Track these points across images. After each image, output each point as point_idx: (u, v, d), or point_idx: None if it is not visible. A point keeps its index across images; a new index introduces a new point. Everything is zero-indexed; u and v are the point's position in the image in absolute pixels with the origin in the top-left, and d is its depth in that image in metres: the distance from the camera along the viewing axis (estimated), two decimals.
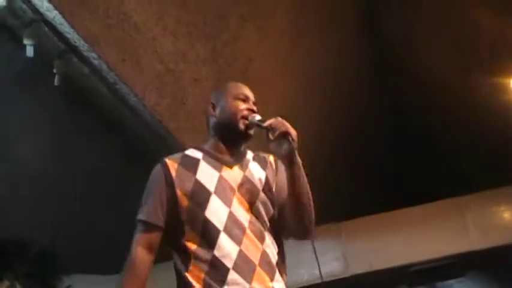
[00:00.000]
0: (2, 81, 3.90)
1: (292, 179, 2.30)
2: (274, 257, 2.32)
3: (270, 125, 2.29)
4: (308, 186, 2.33)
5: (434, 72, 6.38)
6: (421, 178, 7.94)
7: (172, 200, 2.32)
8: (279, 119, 2.31)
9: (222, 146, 2.44)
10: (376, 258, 6.32)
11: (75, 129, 4.47)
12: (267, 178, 2.42)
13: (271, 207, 2.37)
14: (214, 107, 2.51)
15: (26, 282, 5.88)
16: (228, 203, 2.30)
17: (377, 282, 6.83)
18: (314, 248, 2.28)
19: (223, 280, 2.20)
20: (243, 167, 2.42)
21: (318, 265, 2.32)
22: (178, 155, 2.45)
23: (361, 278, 6.34)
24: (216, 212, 2.27)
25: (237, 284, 2.20)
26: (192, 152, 2.45)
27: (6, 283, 5.73)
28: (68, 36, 3.42)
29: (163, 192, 2.34)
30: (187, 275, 2.25)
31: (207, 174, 2.35)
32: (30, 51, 3.39)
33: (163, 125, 4.25)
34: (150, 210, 2.34)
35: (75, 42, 3.47)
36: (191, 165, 2.38)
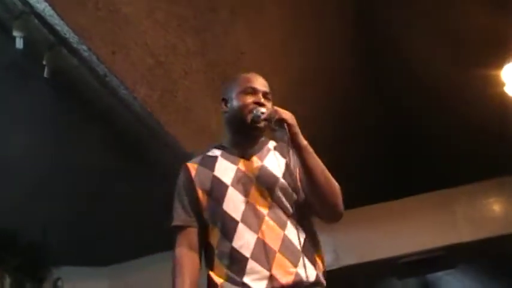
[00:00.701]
0: None
1: (302, 162, 2.31)
2: (299, 242, 2.28)
3: (268, 116, 2.33)
4: (322, 166, 2.33)
5: (427, 65, 6.40)
6: (411, 170, 7.97)
7: (195, 199, 2.39)
8: (273, 108, 2.34)
9: (238, 140, 2.49)
10: (366, 249, 6.36)
11: (65, 122, 4.46)
12: (287, 164, 2.43)
13: (293, 193, 2.37)
14: (226, 103, 2.54)
15: (16, 275, 5.87)
16: (245, 193, 2.33)
17: (367, 274, 6.87)
18: (299, 239, 2.26)
19: (243, 270, 2.21)
20: (262, 156, 2.45)
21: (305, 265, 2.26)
22: (199, 157, 2.53)
23: (352, 269, 6.37)
24: (233, 203, 2.31)
25: (256, 272, 2.19)
26: (212, 152, 2.52)
27: None
28: (58, 28, 3.40)
29: (187, 194, 2.42)
30: (211, 273, 2.30)
31: (224, 169, 2.41)
32: (19, 43, 3.37)
33: (154, 117, 4.24)
34: (178, 213, 2.43)
35: (65, 34, 3.44)
36: (210, 163, 2.45)
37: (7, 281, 5.79)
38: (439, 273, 7.68)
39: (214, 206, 2.34)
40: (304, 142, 2.31)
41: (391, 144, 7.89)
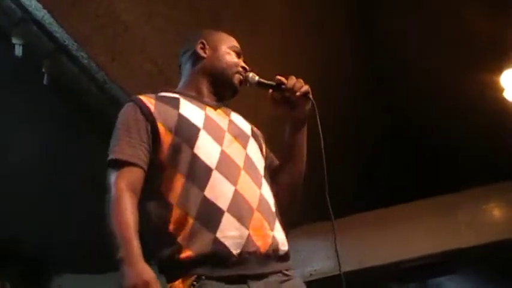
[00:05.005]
0: None
1: (296, 139, 2.20)
2: (273, 204, 2.06)
3: (285, 85, 2.16)
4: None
5: (427, 70, 6.40)
6: (412, 176, 7.96)
7: (154, 135, 1.98)
8: (294, 77, 2.19)
9: (205, 90, 2.23)
10: (366, 255, 6.33)
11: (65, 129, 4.46)
12: (252, 129, 2.23)
13: (262, 157, 2.17)
14: (204, 47, 2.29)
15: (17, 282, 5.87)
16: (219, 141, 2.01)
17: (368, 280, 6.84)
18: (335, 242, 2.20)
19: (216, 224, 1.85)
20: (227, 112, 2.20)
21: (338, 257, 2.24)
22: (151, 94, 2.13)
23: (352, 275, 6.33)
24: (206, 149, 1.97)
25: (234, 229, 1.86)
26: (166, 93, 2.17)
27: None
28: (57, 35, 3.41)
29: (140, 128, 1.98)
30: (169, 226, 1.90)
31: (191, 111, 2.06)
32: (19, 51, 3.37)
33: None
34: (122, 147, 1.98)
35: (65, 41, 3.45)
36: (171, 101, 2.09)
37: None
38: (440, 279, 7.65)
39: (182, 146, 1.95)
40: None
41: (392, 150, 7.88)
